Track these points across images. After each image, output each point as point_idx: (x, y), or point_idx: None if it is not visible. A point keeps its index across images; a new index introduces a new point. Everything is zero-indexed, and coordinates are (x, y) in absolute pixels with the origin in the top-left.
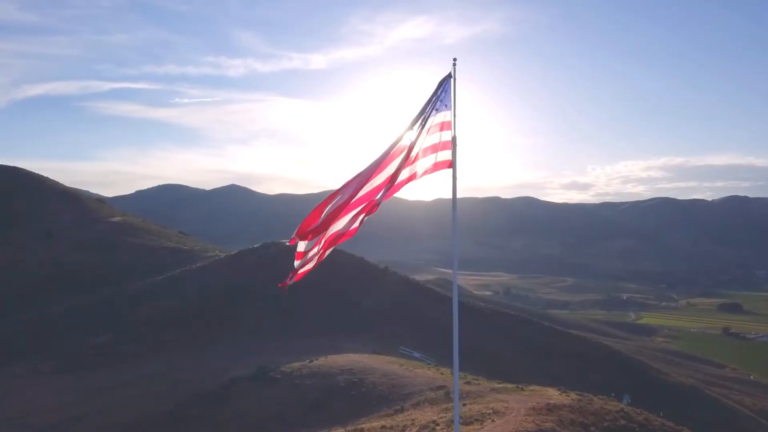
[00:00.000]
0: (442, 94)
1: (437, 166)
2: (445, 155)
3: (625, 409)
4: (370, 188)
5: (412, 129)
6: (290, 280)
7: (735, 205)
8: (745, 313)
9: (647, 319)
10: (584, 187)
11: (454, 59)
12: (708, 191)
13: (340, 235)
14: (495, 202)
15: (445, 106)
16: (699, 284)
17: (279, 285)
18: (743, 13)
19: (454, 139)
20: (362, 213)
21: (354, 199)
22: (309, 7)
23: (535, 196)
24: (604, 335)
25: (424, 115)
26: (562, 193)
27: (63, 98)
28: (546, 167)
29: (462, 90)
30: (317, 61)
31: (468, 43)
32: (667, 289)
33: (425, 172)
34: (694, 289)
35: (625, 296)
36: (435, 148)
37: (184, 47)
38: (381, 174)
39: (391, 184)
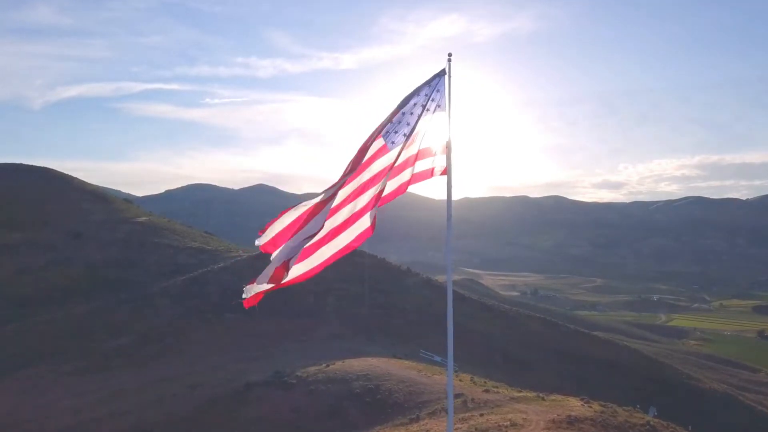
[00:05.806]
0: (434, 93)
1: (427, 174)
2: (438, 161)
3: (651, 423)
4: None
5: (396, 133)
6: (255, 298)
7: None
8: None
9: (678, 321)
10: (616, 185)
11: (449, 54)
12: (744, 190)
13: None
14: (523, 201)
15: (439, 107)
16: (734, 285)
17: (245, 303)
18: None
19: (448, 143)
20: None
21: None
22: (340, 7)
23: (565, 195)
24: (633, 338)
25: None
26: (593, 192)
27: (97, 99)
28: (577, 166)
29: (491, 88)
30: (347, 60)
31: (499, 41)
32: (700, 290)
33: (414, 181)
34: (729, 291)
35: (655, 297)
36: (425, 155)
37: (216, 48)
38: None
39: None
